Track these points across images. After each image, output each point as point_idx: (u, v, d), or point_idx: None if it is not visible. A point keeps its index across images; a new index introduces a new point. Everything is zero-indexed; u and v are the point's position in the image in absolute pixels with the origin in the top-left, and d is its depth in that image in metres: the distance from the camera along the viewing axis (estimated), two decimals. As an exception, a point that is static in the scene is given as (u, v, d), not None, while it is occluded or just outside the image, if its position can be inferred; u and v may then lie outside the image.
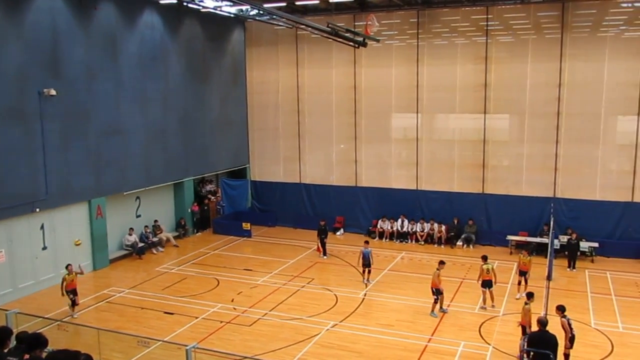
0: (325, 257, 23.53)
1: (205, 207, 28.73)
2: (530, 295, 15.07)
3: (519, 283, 18.99)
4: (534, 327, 12.60)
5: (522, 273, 18.90)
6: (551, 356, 11.54)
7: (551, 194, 24.59)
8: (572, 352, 13.58)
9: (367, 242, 21.31)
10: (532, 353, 11.84)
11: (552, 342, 11.78)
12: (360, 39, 21.17)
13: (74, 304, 17.28)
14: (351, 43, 21.02)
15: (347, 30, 20.14)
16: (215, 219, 28.47)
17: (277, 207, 29.69)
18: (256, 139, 30.27)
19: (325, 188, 28.67)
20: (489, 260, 18.20)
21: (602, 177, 24.11)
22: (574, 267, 21.98)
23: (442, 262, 17.95)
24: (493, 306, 17.83)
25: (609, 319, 17.06)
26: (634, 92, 22.98)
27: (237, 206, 29.73)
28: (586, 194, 24.23)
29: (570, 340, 13.46)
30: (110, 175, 22.32)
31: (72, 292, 17.17)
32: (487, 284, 17.79)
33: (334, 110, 28.17)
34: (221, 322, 16.79)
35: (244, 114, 30.03)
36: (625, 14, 23.09)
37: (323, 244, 23.72)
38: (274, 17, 23.60)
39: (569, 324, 13.48)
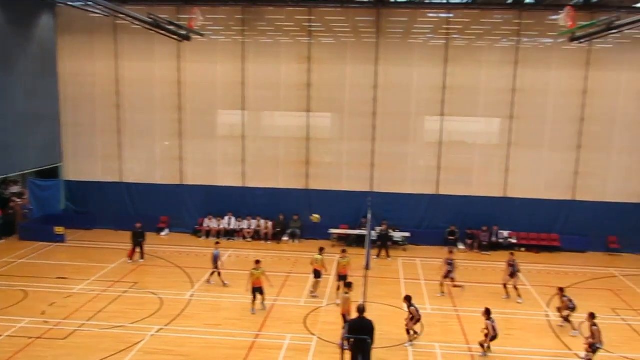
0: (141, 260, 22.56)
1: (10, 211, 25.93)
2: (349, 285, 15.97)
3: (338, 289, 18.68)
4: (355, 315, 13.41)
5: (342, 277, 18.41)
6: (368, 340, 12.35)
7: (368, 189, 26.32)
8: (388, 334, 14.73)
9: (217, 243, 21.03)
10: (351, 339, 12.56)
11: (369, 327, 12.61)
12: (184, 32, 20.71)
13: None
14: (175, 36, 20.47)
15: (170, 23, 19.57)
16: (22, 224, 25.84)
17: (96, 209, 27.81)
18: (70, 135, 27.99)
19: (148, 187, 27.52)
20: (323, 253, 19.00)
21: (412, 172, 26.42)
22: (388, 256, 23.75)
23: (257, 262, 17.90)
24: (316, 296, 18.61)
25: (419, 302, 18.66)
26: (439, 95, 25.49)
27: (48, 209, 27.24)
28: (399, 187, 26.36)
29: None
30: None
31: None
32: (317, 274, 18.55)
33: (157, 106, 27.14)
34: (30, 337, 15.31)
35: (55, 108, 27.54)
36: (431, 24, 25.48)
37: (141, 247, 22.72)
38: (89, 3, 22.01)
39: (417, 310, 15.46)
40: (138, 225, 22.83)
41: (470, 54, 25.34)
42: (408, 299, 15.81)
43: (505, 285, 19.33)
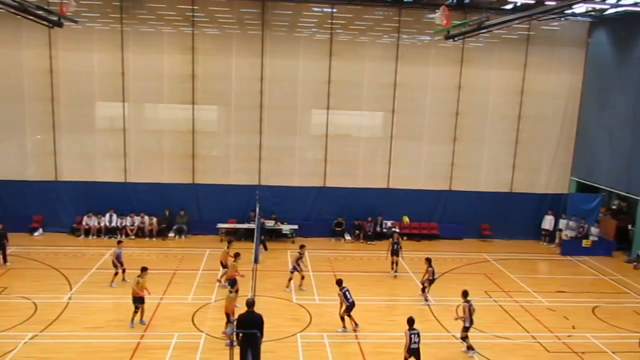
0: (7, 264, 20.87)
1: None
2: (233, 283, 15.80)
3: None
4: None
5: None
6: (258, 334, 12.35)
7: (257, 182, 26.24)
8: (277, 327, 14.82)
9: (119, 242, 19.99)
10: (241, 334, 12.50)
11: (258, 321, 12.61)
12: (55, 18, 19.39)
13: None
14: (44, 22, 19.10)
15: (39, 8, 18.23)
16: None
17: (-43, 208, 25.45)
18: None
19: (18, 184, 25.44)
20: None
21: (299, 165, 26.68)
22: (265, 249, 23.64)
23: (144, 269, 16.30)
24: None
25: (307, 293, 19.05)
26: (324, 88, 25.92)
27: None
28: (286, 180, 26.52)
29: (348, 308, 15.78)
30: None
31: None
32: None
33: (27, 97, 25.12)
34: None
35: None
36: (316, 18, 25.81)
37: (4, 250, 21.04)
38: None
39: (345, 295, 15.86)
40: None
41: (354, 49, 26.00)
42: (339, 282, 16.18)
43: (392, 262, 21.09)
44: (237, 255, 18.35)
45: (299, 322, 16.58)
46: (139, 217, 25.44)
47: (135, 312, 15.96)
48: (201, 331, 15.67)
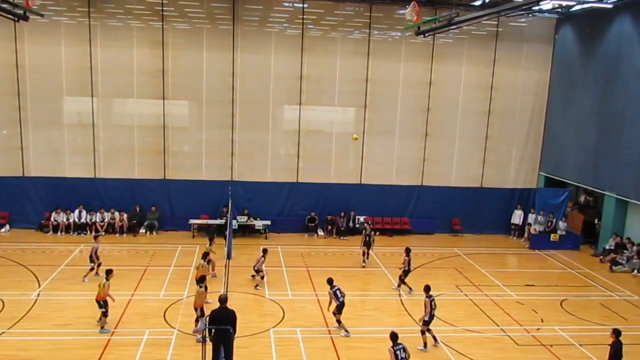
0: None
1: None
2: (202, 279, 15.70)
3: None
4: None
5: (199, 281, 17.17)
6: (231, 330, 12.35)
7: (229, 178, 26.12)
8: (249, 323, 14.83)
9: (96, 237, 19.76)
10: (213, 330, 12.48)
11: (231, 317, 12.61)
12: (21, 11, 19.01)
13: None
14: (9, 15, 18.72)
15: (4, 1, 17.87)
16: None
17: None
18: None
19: (-14, 179, 25.02)
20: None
21: (272, 161, 26.66)
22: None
23: (109, 271, 16.03)
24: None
25: (280, 288, 19.08)
26: (297, 84, 25.91)
27: None
28: (259, 176, 26.49)
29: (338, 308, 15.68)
30: None
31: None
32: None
33: (-10, 91, 24.68)
34: None
35: None
36: (287, 13, 25.76)
37: None
38: None
39: (336, 294, 15.75)
40: None
41: (325, 44, 26.04)
42: (329, 281, 16.15)
43: (363, 253, 21.64)
44: (205, 256, 18.15)
45: (271, 317, 16.60)
46: (109, 213, 25.13)
47: (105, 315, 15.32)
48: (173, 327, 15.57)
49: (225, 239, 21.18)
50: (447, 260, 23.44)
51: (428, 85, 26.76)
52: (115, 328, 15.36)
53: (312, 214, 26.30)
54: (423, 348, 14.80)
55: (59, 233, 24.53)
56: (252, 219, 25.64)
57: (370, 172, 27.13)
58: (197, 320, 15.02)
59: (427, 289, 15.34)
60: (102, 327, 15.26)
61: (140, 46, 24.99)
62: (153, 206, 25.59)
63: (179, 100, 26.01)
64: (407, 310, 17.61)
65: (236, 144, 26.17)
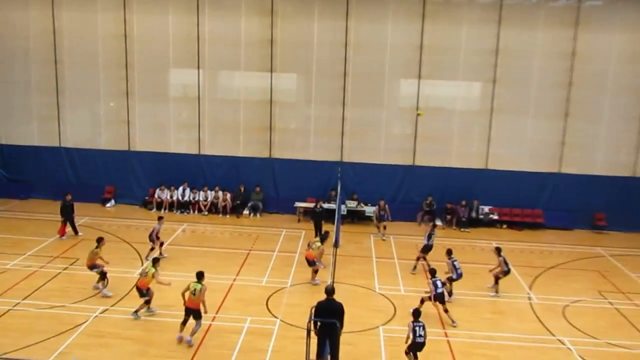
0: (80, 233, 22.02)
1: None
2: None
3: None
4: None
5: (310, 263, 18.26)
6: (337, 324, 12.28)
7: (338, 158, 26.12)
8: (357, 318, 14.76)
9: (160, 218, 20.42)
10: (319, 322, 12.48)
11: (338, 310, 12.54)
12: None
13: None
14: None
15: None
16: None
17: (32, 176, 27.06)
18: (1, 94, 26.96)
19: (91, 153, 26.79)
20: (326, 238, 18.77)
21: (386, 141, 26.27)
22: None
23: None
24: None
25: (391, 282, 18.82)
26: (415, 55, 25.27)
27: (-24, 176, 26.41)
28: (371, 157, 26.20)
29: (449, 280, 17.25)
30: None
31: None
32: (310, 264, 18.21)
33: (101, 62, 26.25)
34: (-46, 320, 14.85)
35: (-22, 63, 26.46)
36: (408, -24, 25.15)
37: (72, 222, 22.09)
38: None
39: (454, 265, 17.36)
40: (68, 197, 22.14)
41: (449, 10, 25.10)
42: (449, 252, 17.83)
43: (418, 258, 20.04)
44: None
45: (382, 313, 16.41)
46: (212, 192, 26.03)
47: (147, 303, 15.53)
48: (275, 317, 15.84)
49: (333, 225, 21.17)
50: (587, 261, 21.96)
51: (570, 57, 25.02)
52: (216, 313, 15.85)
53: (429, 198, 25.62)
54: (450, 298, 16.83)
55: (162, 210, 25.75)
56: (362, 205, 25.47)
57: (498, 156, 25.92)
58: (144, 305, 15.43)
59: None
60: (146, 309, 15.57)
61: (249, 15, 25.47)
62: (257, 186, 26.19)
63: (287, 74, 26.27)
64: (537, 316, 16.70)
65: (347, 122, 26.04)
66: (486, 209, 25.83)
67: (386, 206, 23.55)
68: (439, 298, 15.76)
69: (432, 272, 16.18)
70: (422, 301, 15.96)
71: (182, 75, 26.58)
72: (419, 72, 25.47)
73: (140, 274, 16.11)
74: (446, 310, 15.79)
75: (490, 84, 25.48)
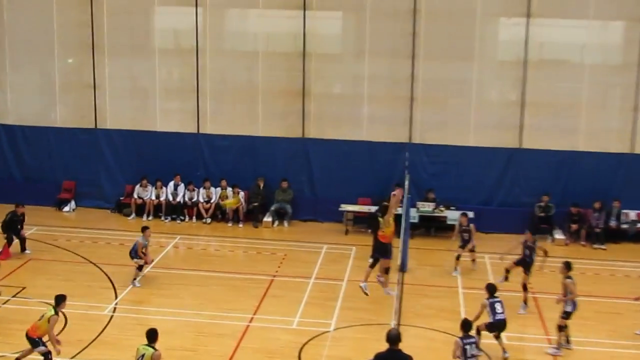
0: (27, 252, 22.44)
1: None
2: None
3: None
4: None
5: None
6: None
7: (405, 139, 26.03)
8: None
9: (145, 229, 20.69)
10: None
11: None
12: None
13: None
14: None
15: None
16: None
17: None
18: None
19: (42, 133, 27.40)
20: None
21: (477, 112, 26.11)
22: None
23: (60, 299, 15.68)
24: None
25: (487, 324, 18.58)
26: (522, -18, 25.11)
27: None
28: (454, 137, 26.14)
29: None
30: None
31: None
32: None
33: (55, 4, 26.73)
34: None
35: None
36: None
37: (20, 238, 22.43)
38: None
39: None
40: (20, 209, 22.47)
41: None
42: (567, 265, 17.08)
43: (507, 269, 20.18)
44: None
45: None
46: (217, 190, 26.13)
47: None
48: (313, 376, 15.84)
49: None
50: None
51: None
52: (226, 366, 15.92)
53: (545, 197, 25.43)
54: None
55: (144, 217, 26.02)
56: (441, 208, 25.28)
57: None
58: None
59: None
60: None
61: None
62: (284, 181, 26.24)
63: (328, 12, 26.51)
64: None
65: (418, 83, 26.00)
66: (632, 214, 25.58)
67: (471, 225, 22.33)
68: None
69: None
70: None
71: (172, 16, 26.97)
72: (528, 6, 25.27)
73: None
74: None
75: (639, 23, 25.08)
